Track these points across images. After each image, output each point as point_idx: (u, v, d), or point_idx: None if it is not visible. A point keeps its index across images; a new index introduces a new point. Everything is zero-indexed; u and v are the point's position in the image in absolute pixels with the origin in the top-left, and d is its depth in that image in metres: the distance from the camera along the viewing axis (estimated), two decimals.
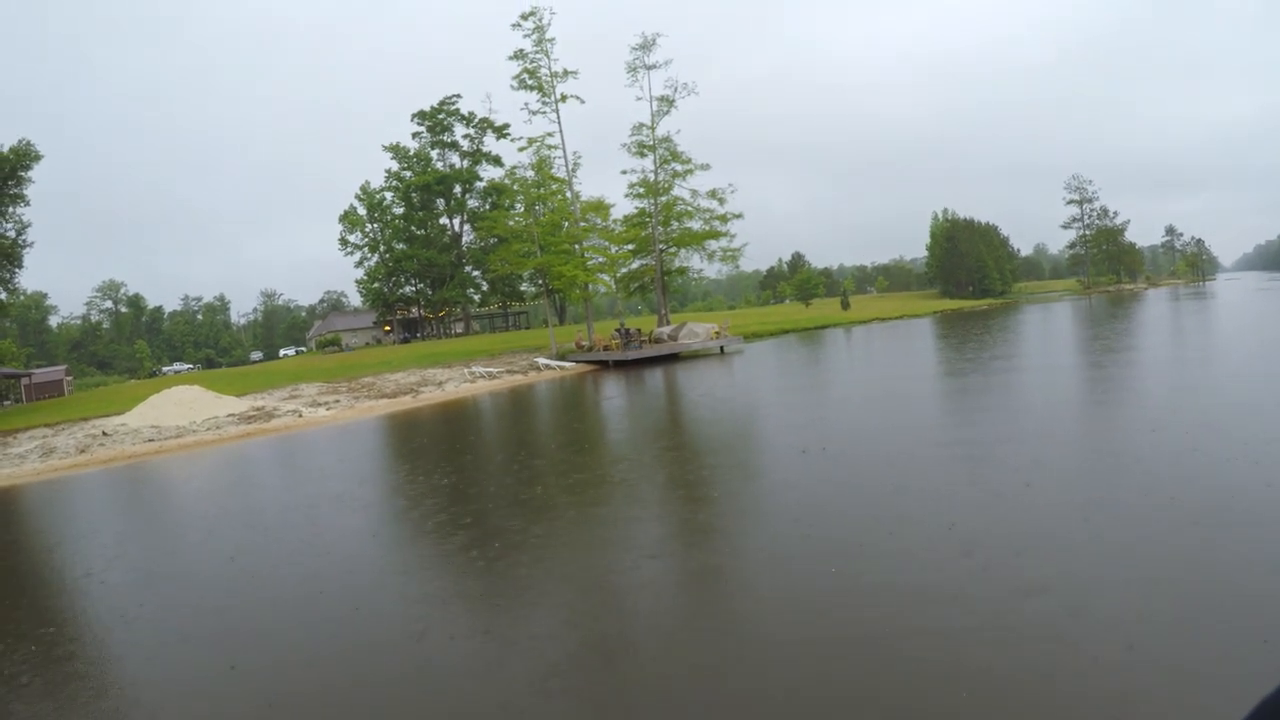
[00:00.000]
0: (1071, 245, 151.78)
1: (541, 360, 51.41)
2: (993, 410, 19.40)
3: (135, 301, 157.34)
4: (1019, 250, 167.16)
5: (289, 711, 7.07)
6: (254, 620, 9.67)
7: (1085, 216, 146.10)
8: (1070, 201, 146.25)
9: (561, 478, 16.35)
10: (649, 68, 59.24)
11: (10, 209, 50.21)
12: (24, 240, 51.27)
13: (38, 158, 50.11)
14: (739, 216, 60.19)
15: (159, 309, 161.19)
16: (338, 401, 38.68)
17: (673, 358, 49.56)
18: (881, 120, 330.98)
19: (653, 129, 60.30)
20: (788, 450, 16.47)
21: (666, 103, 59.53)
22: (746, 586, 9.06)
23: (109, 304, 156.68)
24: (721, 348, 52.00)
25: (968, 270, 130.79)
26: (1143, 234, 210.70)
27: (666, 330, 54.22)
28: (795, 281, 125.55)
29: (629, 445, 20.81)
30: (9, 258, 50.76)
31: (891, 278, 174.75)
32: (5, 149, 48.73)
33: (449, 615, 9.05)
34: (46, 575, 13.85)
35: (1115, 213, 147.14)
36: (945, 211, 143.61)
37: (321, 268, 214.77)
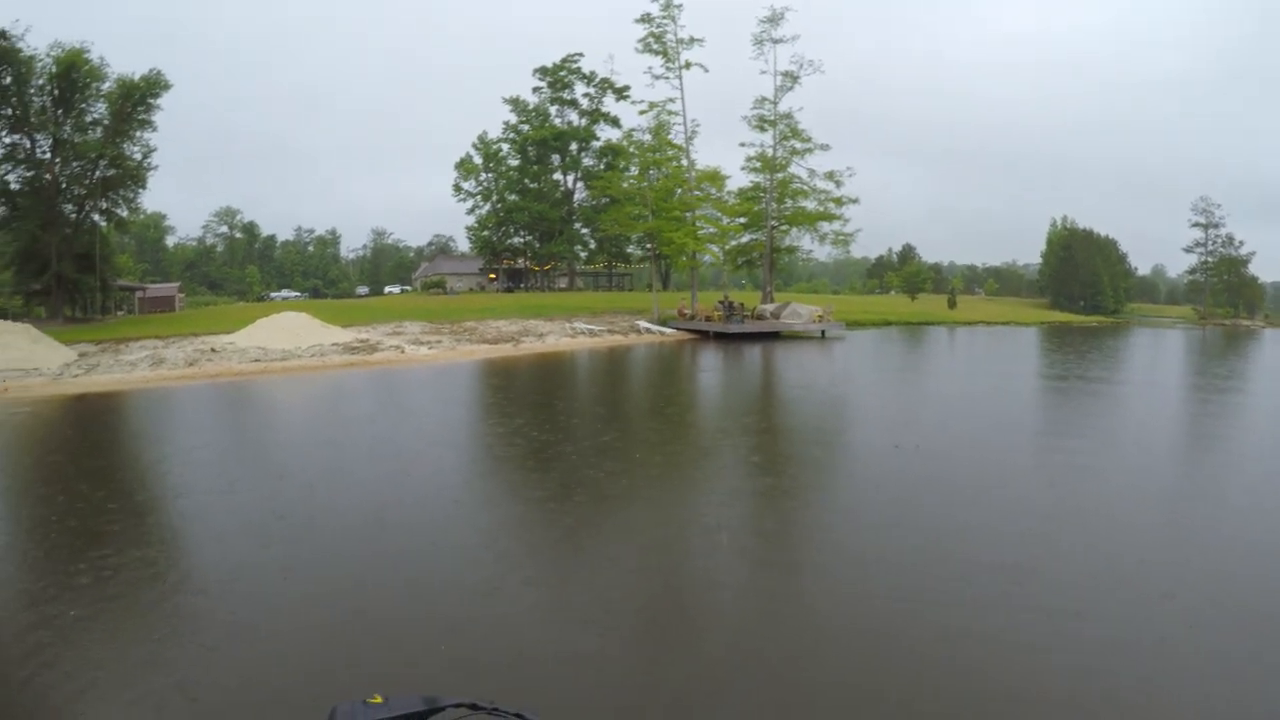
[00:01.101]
0: (1191, 271, 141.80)
1: (643, 324, 50.94)
2: (1091, 430, 18.52)
3: (250, 228, 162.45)
4: (1136, 269, 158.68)
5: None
6: (353, 544, 9.38)
7: (1209, 242, 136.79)
8: (1195, 225, 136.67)
9: (648, 448, 15.92)
10: (775, 42, 57.20)
11: (139, 134, 52.37)
12: (149, 164, 53.68)
13: (167, 86, 52.05)
14: (854, 201, 57.51)
15: (272, 237, 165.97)
16: (440, 342, 38.93)
17: (773, 336, 48.29)
18: (1007, 116, 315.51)
19: (775, 104, 58.23)
20: (882, 445, 16.09)
21: (790, 79, 57.37)
22: (811, 579, 8.83)
23: (224, 229, 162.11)
24: (823, 332, 50.41)
25: (1081, 283, 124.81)
26: (1267, 268, 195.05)
27: (770, 308, 53.02)
28: (903, 273, 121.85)
29: (720, 420, 20.32)
30: (134, 179, 53.24)
31: (1002, 281, 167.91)
32: (137, 77, 50.57)
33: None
34: (154, 483, 13.99)
35: (1241, 242, 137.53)
36: (1065, 219, 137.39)
37: (431, 212, 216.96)
